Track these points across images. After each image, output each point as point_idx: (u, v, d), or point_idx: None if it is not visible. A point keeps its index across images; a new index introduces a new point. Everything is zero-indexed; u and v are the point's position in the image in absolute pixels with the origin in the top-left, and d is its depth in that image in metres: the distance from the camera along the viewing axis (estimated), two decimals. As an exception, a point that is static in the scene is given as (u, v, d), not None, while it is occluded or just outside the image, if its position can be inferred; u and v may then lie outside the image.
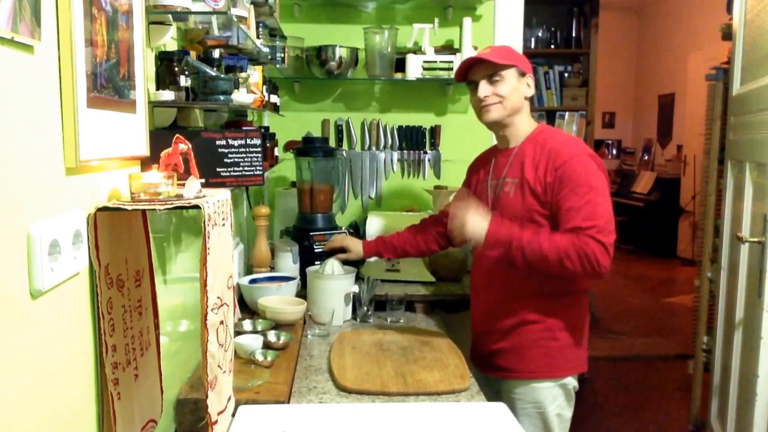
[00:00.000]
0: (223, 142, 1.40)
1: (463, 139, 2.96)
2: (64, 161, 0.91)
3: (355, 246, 2.17)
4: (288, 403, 1.48)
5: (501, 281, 1.79)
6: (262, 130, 2.43)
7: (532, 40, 5.27)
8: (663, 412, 3.38)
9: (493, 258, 1.72)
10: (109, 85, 1.03)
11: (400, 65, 2.82)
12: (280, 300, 2.03)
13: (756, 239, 1.97)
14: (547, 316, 1.75)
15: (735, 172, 2.43)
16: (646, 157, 8.08)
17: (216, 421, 1.12)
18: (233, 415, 1.29)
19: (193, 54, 1.46)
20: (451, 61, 2.77)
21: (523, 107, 1.82)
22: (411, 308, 2.27)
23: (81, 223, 0.95)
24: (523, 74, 1.80)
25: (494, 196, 1.82)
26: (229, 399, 1.24)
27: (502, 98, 1.77)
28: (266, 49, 2.02)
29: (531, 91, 1.81)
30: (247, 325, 1.88)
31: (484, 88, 1.77)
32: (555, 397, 1.76)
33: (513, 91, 1.78)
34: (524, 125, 1.82)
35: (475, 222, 1.68)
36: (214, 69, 1.45)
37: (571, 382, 1.79)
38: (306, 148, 2.52)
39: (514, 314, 1.78)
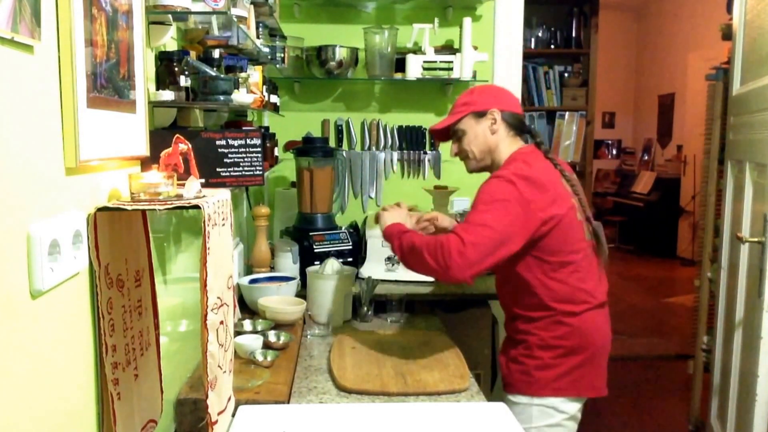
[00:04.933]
0: (223, 142, 1.40)
1: (463, 139, 2.96)
2: (64, 161, 0.91)
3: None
4: (288, 403, 1.48)
5: (503, 298, 1.86)
6: (262, 130, 2.43)
7: (532, 40, 5.27)
8: (663, 412, 3.38)
9: (498, 278, 1.84)
10: (109, 85, 1.03)
11: (400, 65, 2.82)
12: (280, 300, 2.04)
13: (756, 239, 1.97)
14: (528, 334, 1.74)
15: (735, 172, 2.43)
16: (646, 157, 8.08)
17: (216, 421, 1.12)
18: (233, 415, 1.29)
19: (193, 54, 1.46)
20: (451, 61, 2.77)
21: (498, 143, 1.78)
22: (411, 308, 2.27)
23: (81, 223, 0.95)
24: (482, 114, 1.77)
25: None
26: (229, 399, 1.24)
27: (468, 150, 1.81)
28: (266, 49, 2.02)
29: (498, 125, 1.76)
30: (247, 325, 1.88)
31: (453, 147, 1.86)
32: (530, 417, 1.70)
33: (474, 138, 1.78)
34: (505, 156, 1.79)
35: (383, 219, 1.82)
36: (214, 69, 1.45)
37: (556, 404, 1.70)
38: (306, 148, 2.52)
39: (508, 329, 1.84)
